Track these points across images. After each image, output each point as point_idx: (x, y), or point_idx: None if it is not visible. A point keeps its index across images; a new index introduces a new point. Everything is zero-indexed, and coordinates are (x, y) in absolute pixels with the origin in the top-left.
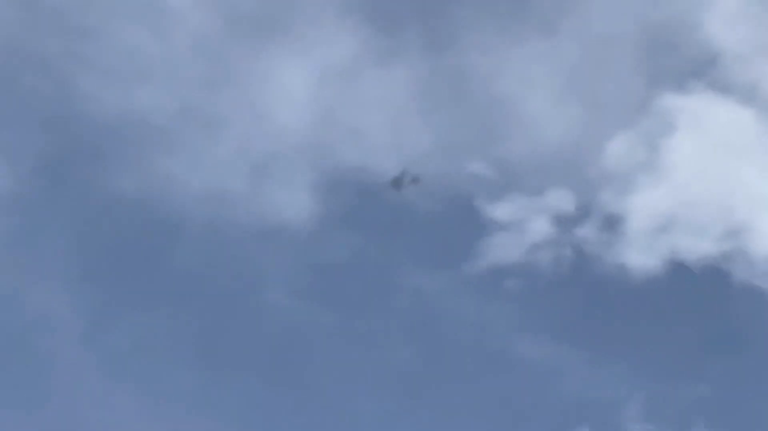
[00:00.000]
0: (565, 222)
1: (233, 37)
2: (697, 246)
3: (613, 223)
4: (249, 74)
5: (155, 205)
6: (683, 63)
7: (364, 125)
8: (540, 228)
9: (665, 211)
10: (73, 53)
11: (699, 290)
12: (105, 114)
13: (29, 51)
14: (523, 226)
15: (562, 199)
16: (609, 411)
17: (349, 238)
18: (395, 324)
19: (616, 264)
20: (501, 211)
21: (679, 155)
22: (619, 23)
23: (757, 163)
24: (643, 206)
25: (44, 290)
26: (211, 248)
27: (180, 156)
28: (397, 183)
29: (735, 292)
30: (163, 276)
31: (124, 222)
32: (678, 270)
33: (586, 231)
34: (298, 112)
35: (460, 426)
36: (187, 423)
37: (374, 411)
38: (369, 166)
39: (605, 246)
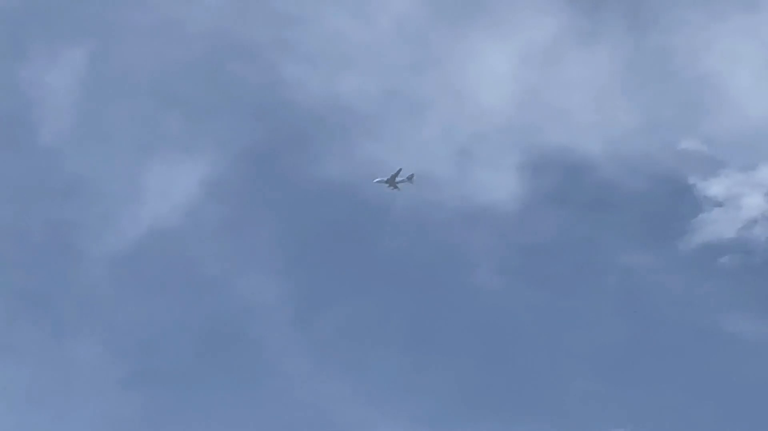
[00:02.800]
0: None
1: (436, 21)
2: None
3: None
4: (452, 57)
5: (362, 190)
6: None
7: (568, 105)
8: (754, 203)
9: None
10: (279, 41)
11: None
12: (310, 100)
13: (236, 40)
14: (737, 202)
15: None
16: None
17: (556, 218)
18: (604, 302)
19: None
20: (714, 187)
21: None
22: None
23: None
24: None
25: (253, 276)
26: (418, 231)
27: (385, 140)
28: (392, 181)
29: None
30: (370, 260)
31: (331, 208)
32: None
33: None
34: (501, 93)
35: (671, 403)
36: (396, 405)
37: (584, 389)
38: (574, 145)
39: None
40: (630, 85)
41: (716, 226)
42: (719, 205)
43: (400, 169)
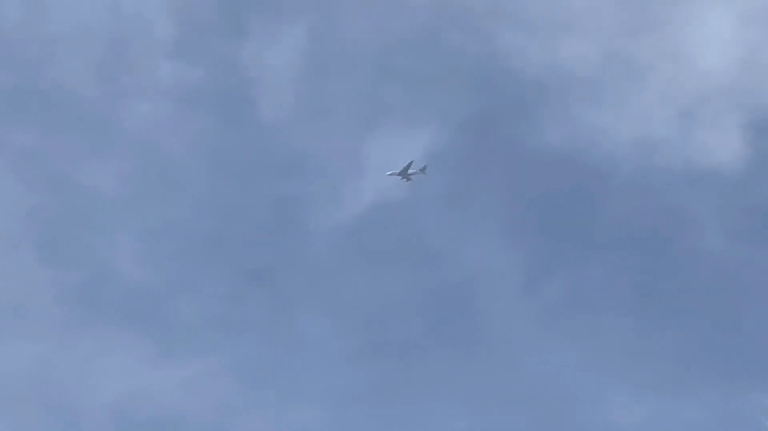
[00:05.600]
0: None
1: None
2: None
3: None
4: (671, 20)
5: (584, 156)
6: None
7: None
8: None
9: None
10: (497, 10)
11: None
12: (529, 68)
13: (454, 10)
14: None
15: None
16: None
17: None
18: None
19: None
20: None
21: None
22: None
23: None
24: None
25: (479, 246)
26: (643, 195)
27: (606, 105)
28: (405, 173)
29: None
30: (596, 226)
31: (554, 175)
32: None
33: None
34: (722, 54)
35: None
36: (624, 371)
37: None
38: None
39: None
40: None
41: None
42: None
43: (412, 161)
